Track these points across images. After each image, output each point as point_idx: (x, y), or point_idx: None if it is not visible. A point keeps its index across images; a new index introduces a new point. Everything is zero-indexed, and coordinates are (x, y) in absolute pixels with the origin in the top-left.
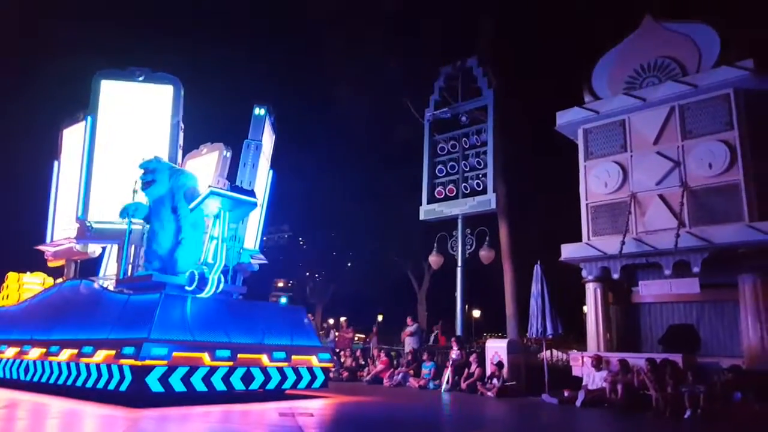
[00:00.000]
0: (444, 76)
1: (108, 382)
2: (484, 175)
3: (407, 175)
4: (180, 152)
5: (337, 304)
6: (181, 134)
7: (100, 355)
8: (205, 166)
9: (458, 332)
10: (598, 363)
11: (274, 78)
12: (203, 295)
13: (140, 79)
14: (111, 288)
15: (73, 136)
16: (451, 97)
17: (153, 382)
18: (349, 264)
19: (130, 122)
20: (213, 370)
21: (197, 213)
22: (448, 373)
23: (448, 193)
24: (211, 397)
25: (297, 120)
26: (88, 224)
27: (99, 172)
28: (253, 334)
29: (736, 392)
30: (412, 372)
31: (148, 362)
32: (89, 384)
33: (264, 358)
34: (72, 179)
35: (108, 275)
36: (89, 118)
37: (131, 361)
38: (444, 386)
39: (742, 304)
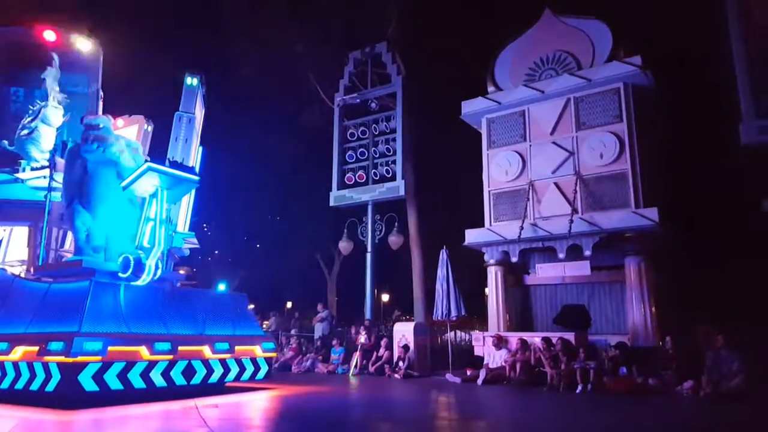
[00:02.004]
0: (353, 62)
1: (30, 382)
2: (394, 162)
3: (318, 160)
4: None
5: (245, 291)
6: (101, 103)
7: (18, 352)
8: None
9: (367, 317)
10: (498, 342)
11: (185, 52)
12: (139, 282)
13: (53, 40)
14: (22, 275)
15: None
16: (361, 82)
17: (86, 381)
18: (257, 246)
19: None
20: (152, 364)
21: (129, 191)
22: (356, 358)
23: (358, 180)
24: (151, 395)
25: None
26: None
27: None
28: (193, 324)
29: (622, 367)
30: (320, 358)
31: (80, 358)
32: (5, 385)
33: (206, 350)
34: None
35: (8, 261)
36: None
37: (60, 358)
38: (352, 370)
39: (628, 284)
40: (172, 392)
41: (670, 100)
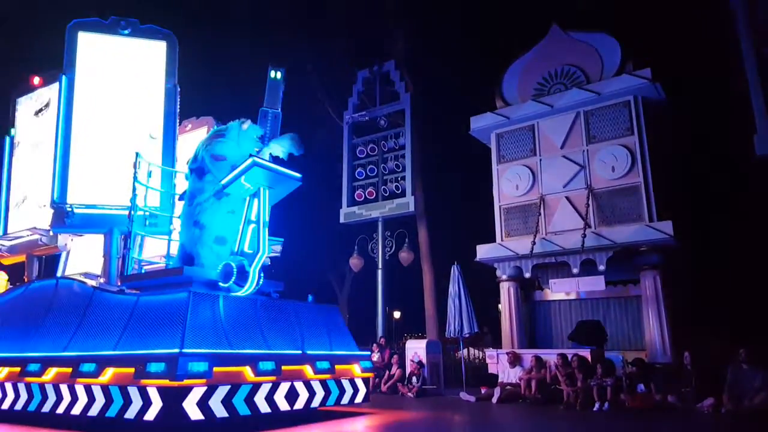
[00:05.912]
0: (362, 80)
1: (124, 409)
2: (403, 178)
3: (327, 177)
4: (177, 121)
5: None
6: (178, 99)
7: (108, 374)
8: (192, 148)
9: (380, 334)
10: (513, 360)
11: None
12: (241, 293)
13: (126, 32)
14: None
15: (28, 106)
16: (370, 100)
17: (191, 408)
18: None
19: (115, 85)
20: (256, 387)
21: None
22: None
23: (367, 196)
24: (255, 423)
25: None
26: (69, 209)
27: (77, 146)
28: (292, 340)
29: (639, 384)
30: None
31: (186, 382)
32: (93, 412)
33: (307, 370)
34: (31, 157)
35: (70, 275)
36: (65, 78)
37: (162, 382)
38: None
39: (644, 299)
40: (277, 420)
41: (681, 112)
